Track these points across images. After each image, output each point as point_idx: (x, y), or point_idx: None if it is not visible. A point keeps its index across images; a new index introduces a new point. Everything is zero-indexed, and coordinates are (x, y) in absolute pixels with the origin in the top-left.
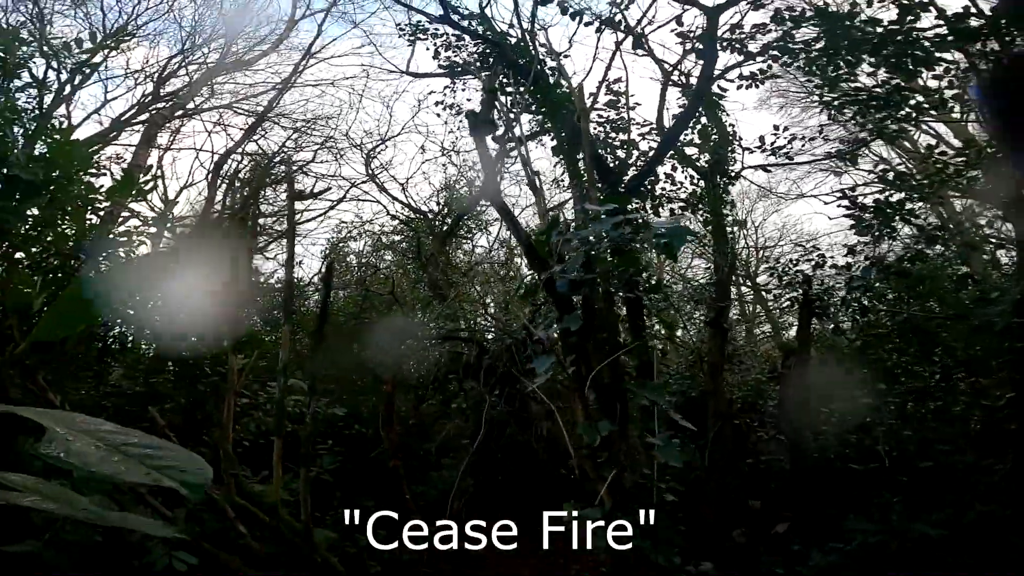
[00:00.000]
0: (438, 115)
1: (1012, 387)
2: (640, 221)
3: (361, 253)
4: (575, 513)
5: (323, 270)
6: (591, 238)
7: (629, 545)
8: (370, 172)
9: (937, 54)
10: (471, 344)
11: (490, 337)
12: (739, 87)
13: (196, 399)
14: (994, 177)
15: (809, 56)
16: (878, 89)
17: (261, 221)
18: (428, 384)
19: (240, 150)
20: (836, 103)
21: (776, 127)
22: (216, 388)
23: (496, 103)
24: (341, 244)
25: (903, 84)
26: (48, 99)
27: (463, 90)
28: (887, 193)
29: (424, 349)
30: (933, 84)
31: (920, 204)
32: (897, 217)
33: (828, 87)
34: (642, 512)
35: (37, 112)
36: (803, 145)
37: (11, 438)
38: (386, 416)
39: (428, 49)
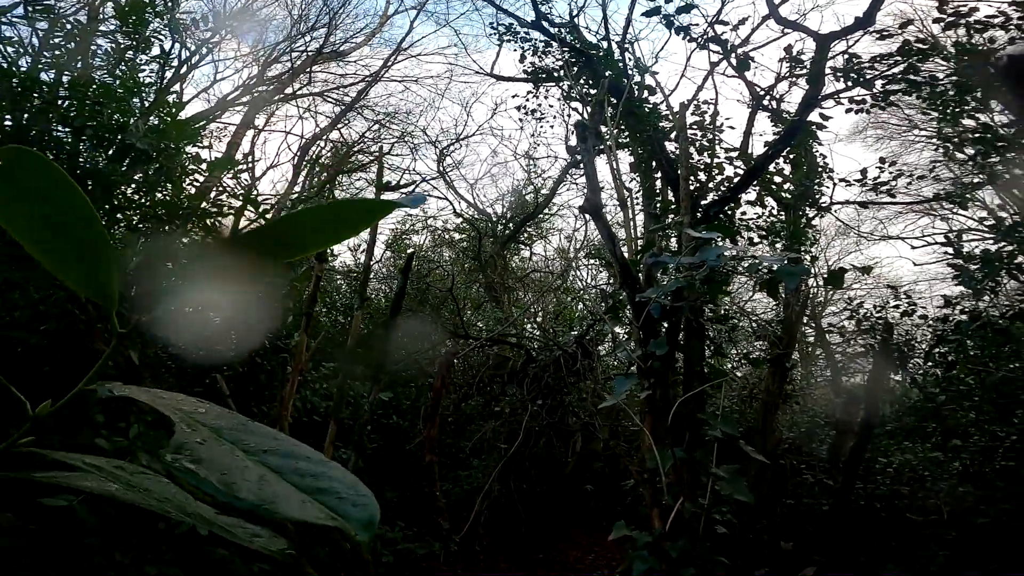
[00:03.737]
0: (520, 120)
1: None
2: (746, 253)
3: (421, 247)
4: (626, 533)
5: (403, 260)
6: (692, 267)
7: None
8: (441, 169)
9: None
10: (519, 350)
11: (536, 346)
12: (848, 110)
13: (252, 369)
14: None
15: (934, 91)
16: (1004, 130)
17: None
18: (472, 384)
19: (325, 137)
20: (956, 139)
21: (882, 160)
22: (281, 363)
23: (603, 115)
24: (404, 235)
25: None
26: (168, 74)
27: (545, 97)
28: (999, 244)
29: (473, 349)
30: None
31: None
32: (1005, 271)
33: (949, 122)
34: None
35: (157, 85)
36: (909, 183)
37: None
38: (430, 412)
39: (515, 51)
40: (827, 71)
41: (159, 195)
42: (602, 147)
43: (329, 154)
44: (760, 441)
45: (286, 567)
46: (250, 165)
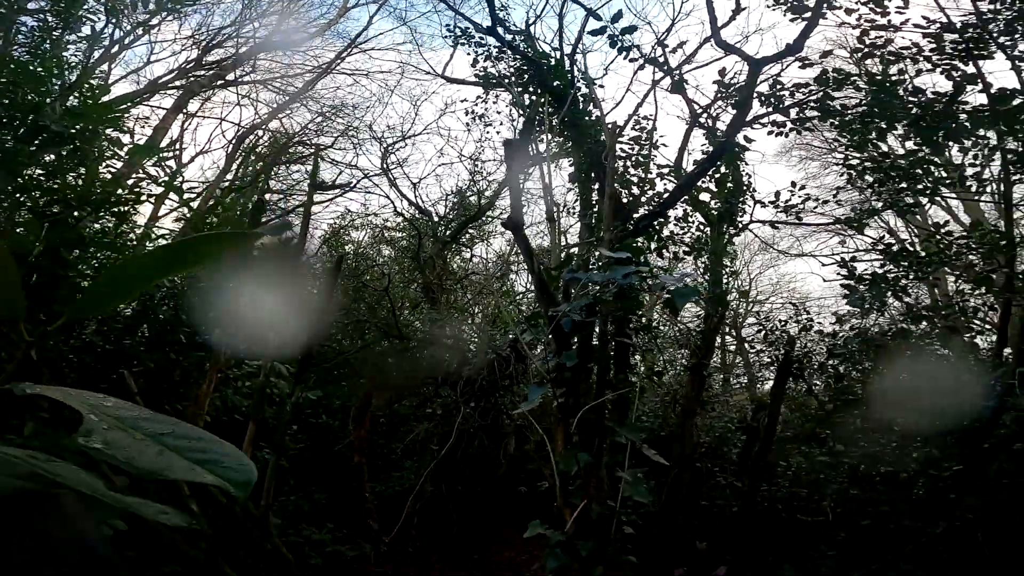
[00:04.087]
0: (467, 124)
1: (960, 461)
2: (650, 272)
3: (360, 243)
4: (540, 531)
5: (332, 258)
6: (600, 284)
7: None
8: (385, 166)
9: (974, 130)
10: (454, 352)
11: (473, 348)
12: (769, 133)
13: (166, 366)
14: (991, 263)
15: (843, 119)
16: (901, 161)
17: (267, 196)
18: (405, 385)
19: (264, 126)
20: (859, 167)
21: (793, 184)
22: (199, 361)
23: (531, 131)
24: (342, 231)
25: (927, 156)
26: (97, 54)
27: (494, 102)
28: (885, 267)
29: (406, 349)
30: (957, 158)
31: (913, 281)
32: (890, 292)
33: (856, 150)
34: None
35: (83, 66)
36: (816, 206)
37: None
38: (360, 412)
39: (468, 55)
40: (754, 95)
41: (70, 179)
42: (534, 161)
43: (266, 144)
44: (679, 445)
45: (201, 568)
46: (177, 152)
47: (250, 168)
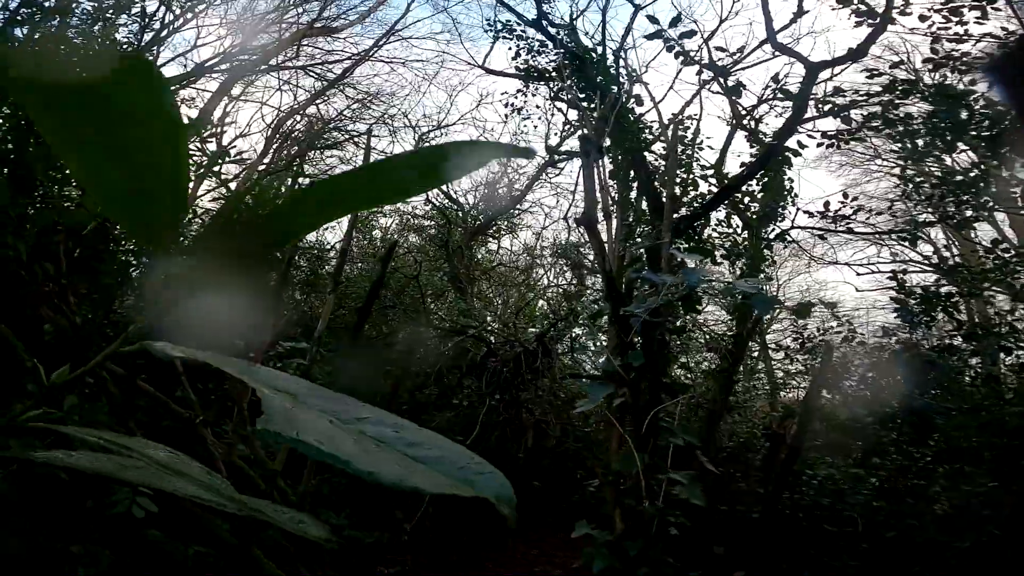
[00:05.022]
0: (504, 116)
1: (993, 477)
2: (720, 277)
3: (388, 229)
4: (587, 531)
5: (383, 247)
6: (673, 286)
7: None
8: None
9: None
10: (480, 343)
11: (497, 340)
12: (819, 144)
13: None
14: None
15: (907, 128)
16: (960, 176)
17: (302, 181)
18: (430, 373)
19: (302, 111)
20: (918, 180)
21: (845, 195)
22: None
23: (604, 130)
24: (370, 216)
25: (992, 171)
26: (148, 36)
27: (533, 95)
28: (939, 282)
29: (433, 338)
30: (1020, 174)
31: (965, 298)
32: (941, 308)
33: (913, 162)
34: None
35: (134, 47)
36: (867, 217)
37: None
38: (387, 400)
39: (509, 48)
40: (810, 100)
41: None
42: (599, 160)
43: (303, 128)
44: (704, 449)
45: (231, 550)
46: (220, 131)
47: (285, 152)
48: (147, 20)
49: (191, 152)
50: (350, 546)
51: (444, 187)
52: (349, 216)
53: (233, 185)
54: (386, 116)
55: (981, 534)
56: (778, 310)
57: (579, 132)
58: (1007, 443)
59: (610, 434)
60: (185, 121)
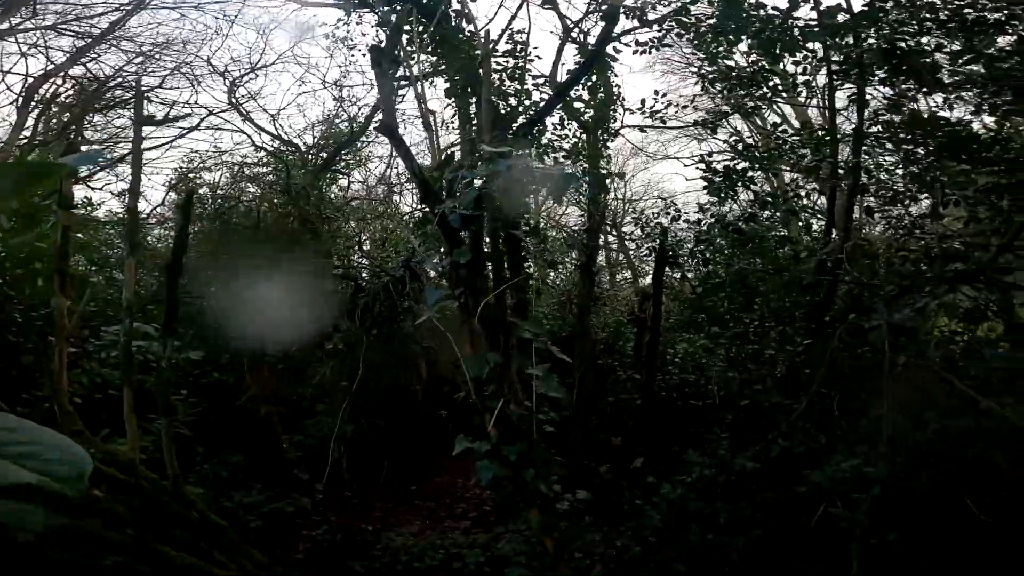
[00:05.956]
0: (328, 49)
1: (809, 335)
2: (530, 165)
3: (217, 184)
4: (467, 445)
5: (180, 198)
6: (485, 177)
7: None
8: (233, 101)
9: (805, 43)
10: (346, 282)
11: (365, 275)
12: (634, 52)
13: (7, 349)
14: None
15: (699, 31)
16: (746, 69)
17: (85, 148)
18: (300, 325)
19: (63, 74)
20: (710, 77)
21: (656, 92)
22: (42, 335)
23: (399, 40)
24: (192, 174)
25: (767, 67)
26: None
27: (358, 23)
28: (735, 161)
29: (294, 287)
30: (791, 69)
31: (759, 173)
32: (740, 183)
33: (708, 61)
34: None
35: None
36: (677, 112)
37: None
38: (257, 362)
39: None
40: (621, 11)
41: None
42: (404, 73)
43: (72, 92)
44: (579, 343)
45: (135, 551)
46: None
47: (54, 121)
48: None
49: None
50: (273, 519)
51: (273, 130)
52: (132, 177)
53: None
54: (182, 65)
55: (811, 395)
56: (627, 206)
57: (369, 46)
58: (809, 299)
59: (461, 339)
60: None
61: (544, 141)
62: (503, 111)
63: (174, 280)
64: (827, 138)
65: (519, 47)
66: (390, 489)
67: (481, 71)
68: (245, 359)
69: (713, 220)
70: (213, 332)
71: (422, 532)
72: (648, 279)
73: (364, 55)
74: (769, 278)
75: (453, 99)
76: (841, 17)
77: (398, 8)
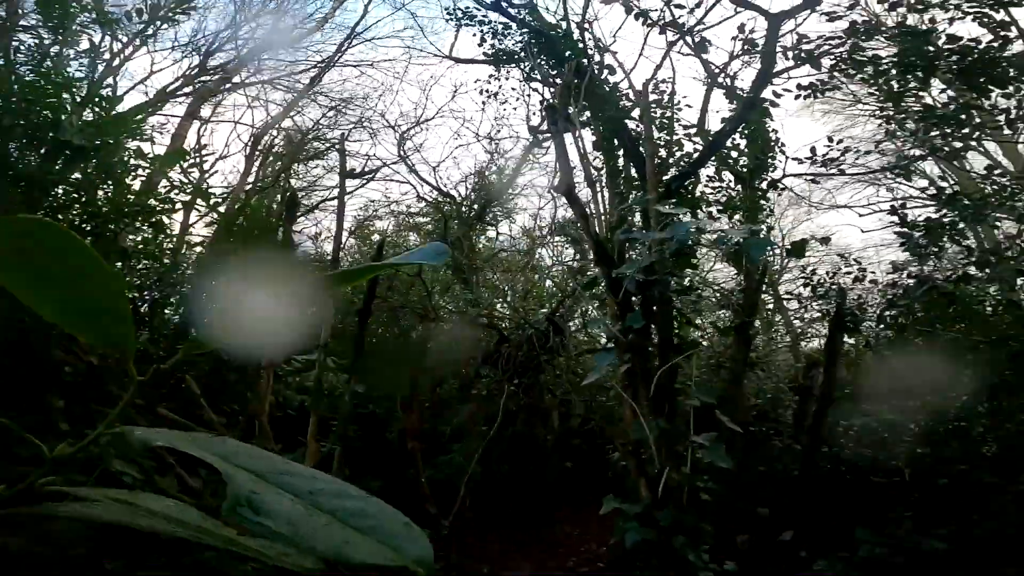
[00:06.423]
0: (481, 104)
1: None
2: (710, 227)
3: (386, 232)
4: (616, 505)
5: (372, 246)
6: (662, 241)
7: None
8: (402, 153)
9: (1019, 74)
10: (491, 331)
11: (508, 325)
12: (796, 97)
13: (217, 367)
14: None
15: (878, 70)
16: (941, 108)
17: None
18: (447, 368)
19: (278, 125)
20: (900, 117)
21: (830, 138)
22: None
23: (568, 98)
24: (367, 221)
25: (971, 101)
26: (100, 67)
27: (506, 79)
28: (940, 212)
29: (446, 332)
30: (1002, 103)
31: (970, 225)
32: (946, 237)
33: (893, 102)
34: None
35: (89, 80)
36: (857, 157)
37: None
38: (409, 399)
39: (474, 35)
40: (778, 50)
41: (101, 193)
42: (569, 128)
43: (282, 142)
44: (731, 409)
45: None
46: (200, 158)
47: (269, 168)
48: (96, 52)
49: (175, 182)
50: None
51: (434, 181)
52: (336, 225)
53: (223, 208)
54: (363, 119)
55: None
56: (786, 260)
57: (544, 104)
58: None
59: (627, 403)
60: (158, 151)
61: (697, 194)
62: (655, 164)
63: (363, 323)
64: None
65: (666, 96)
66: (508, 534)
67: (640, 125)
68: (399, 396)
69: (916, 281)
70: (376, 370)
71: None
72: (812, 343)
73: (514, 109)
74: (983, 349)
75: (600, 153)
76: None
77: (541, 62)
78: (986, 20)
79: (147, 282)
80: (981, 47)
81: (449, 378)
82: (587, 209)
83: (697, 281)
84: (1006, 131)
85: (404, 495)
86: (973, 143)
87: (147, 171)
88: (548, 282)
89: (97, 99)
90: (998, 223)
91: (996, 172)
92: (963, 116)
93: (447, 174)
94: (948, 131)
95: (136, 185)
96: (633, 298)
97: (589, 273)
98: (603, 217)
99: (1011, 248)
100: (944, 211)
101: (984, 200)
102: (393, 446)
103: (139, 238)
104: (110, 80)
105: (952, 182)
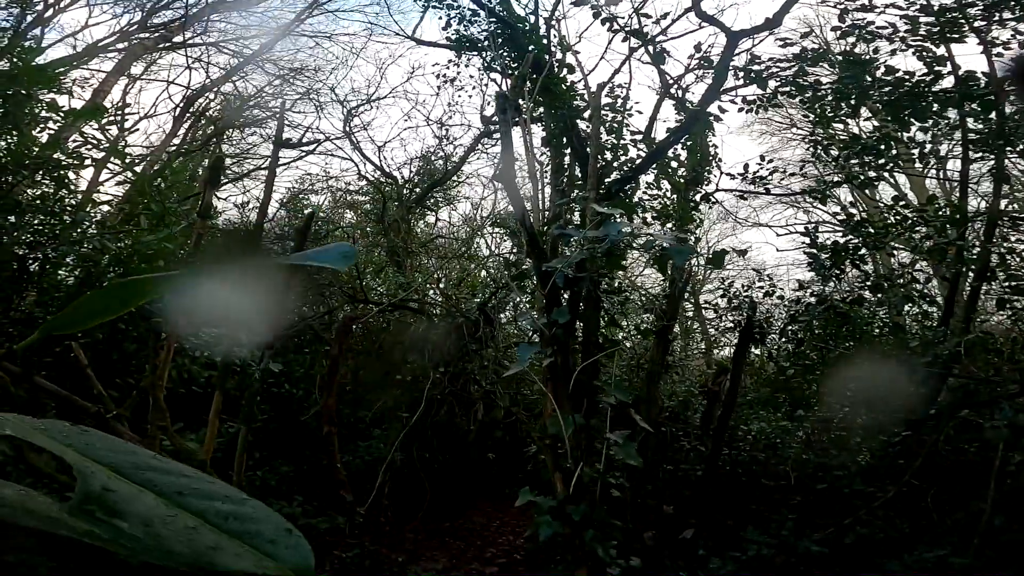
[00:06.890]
0: (437, 88)
1: (907, 427)
2: (641, 231)
3: (320, 207)
4: (531, 499)
5: (300, 220)
6: (595, 240)
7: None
8: (348, 129)
9: (942, 110)
10: (421, 317)
11: (439, 312)
12: (740, 110)
13: (114, 337)
14: (944, 237)
15: (816, 94)
16: (865, 137)
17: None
18: (371, 352)
19: (216, 88)
20: (825, 143)
21: (762, 157)
22: (154, 329)
23: (522, 89)
24: (302, 194)
25: (891, 134)
26: (29, 18)
27: (466, 66)
28: (846, 237)
29: (373, 315)
30: (919, 137)
31: (871, 251)
32: (849, 261)
33: (822, 126)
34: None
35: (13, 30)
36: (782, 179)
37: None
38: (327, 381)
39: (440, 18)
40: (730, 69)
41: (3, 143)
42: (518, 120)
43: (219, 107)
44: (645, 409)
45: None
46: (121, 116)
47: (200, 132)
48: (25, 2)
49: (89, 139)
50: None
51: (377, 160)
52: (264, 195)
53: (140, 168)
54: (311, 91)
55: (902, 483)
56: (708, 271)
57: (497, 94)
58: (916, 391)
59: (548, 397)
60: (79, 105)
61: (635, 199)
62: (599, 165)
63: (284, 298)
64: (956, 215)
65: (619, 101)
66: (425, 523)
67: (589, 126)
68: (318, 377)
69: (816, 300)
70: (293, 346)
71: (447, 571)
72: (724, 351)
73: (469, 96)
74: (868, 365)
75: (548, 149)
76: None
77: (503, 53)
78: (925, 54)
79: (39, 239)
80: (914, 80)
81: (374, 361)
82: (525, 202)
83: (625, 283)
84: (917, 164)
85: (318, 481)
86: (886, 174)
87: (58, 124)
88: (483, 272)
89: (16, 49)
90: (894, 252)
91: (900, 203)
92: (882, 146)
93: (392, 155)
94: (867, 160)
95: (45, 138)
96: (562, 293)
97: (524, 267)
98: (542, 213)
99: (903, 276)
100: (849, 236)
101: (886, 229)
102: (309, 429)
103: (38, 191)
104: (36, 32)
105: (861, 209)
